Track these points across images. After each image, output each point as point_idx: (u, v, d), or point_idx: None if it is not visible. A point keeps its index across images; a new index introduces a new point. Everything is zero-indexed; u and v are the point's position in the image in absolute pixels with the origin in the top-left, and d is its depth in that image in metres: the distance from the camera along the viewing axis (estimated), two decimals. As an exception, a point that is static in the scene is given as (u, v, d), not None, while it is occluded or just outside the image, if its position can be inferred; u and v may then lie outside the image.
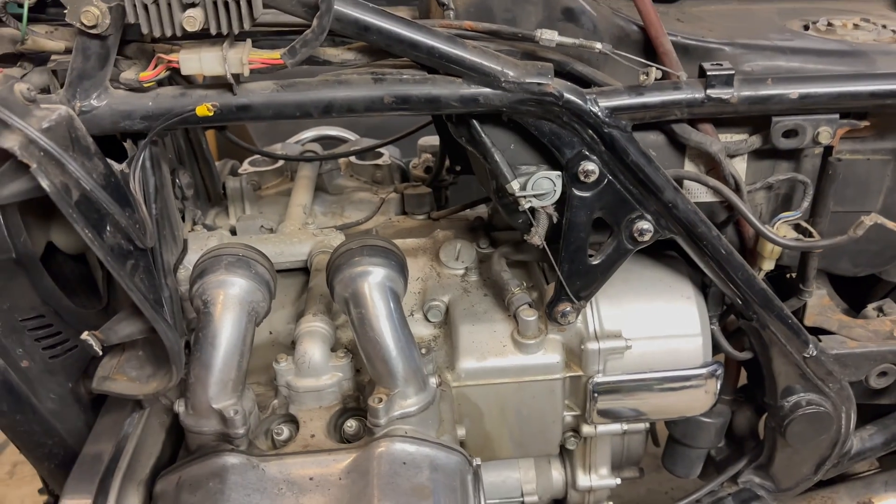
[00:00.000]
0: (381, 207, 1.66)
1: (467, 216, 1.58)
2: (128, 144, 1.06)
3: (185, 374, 1.05)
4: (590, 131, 1.09)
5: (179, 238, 1.26)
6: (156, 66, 1.01)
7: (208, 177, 1.64)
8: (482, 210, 1.63)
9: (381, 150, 1.85)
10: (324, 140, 2.06)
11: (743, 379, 1.52)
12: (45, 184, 0.78)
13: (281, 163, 1.80)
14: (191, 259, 1.31)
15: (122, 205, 0.88)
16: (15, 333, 1.16)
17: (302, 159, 1.74)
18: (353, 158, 1.83)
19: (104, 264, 0.84)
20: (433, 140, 1.81)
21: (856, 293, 1.48)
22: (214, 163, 1.67)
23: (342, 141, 2.13)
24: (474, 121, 1.11)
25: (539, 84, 1.05)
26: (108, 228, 0.86)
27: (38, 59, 1.09)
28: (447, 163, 1.67)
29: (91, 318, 1.24)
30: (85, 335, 0.91)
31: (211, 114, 0.97)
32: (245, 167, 1.81)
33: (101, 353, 0.93)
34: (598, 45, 1.08)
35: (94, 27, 0.94)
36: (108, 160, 1.00)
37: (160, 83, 1.05)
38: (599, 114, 1.08)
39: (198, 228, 1.40)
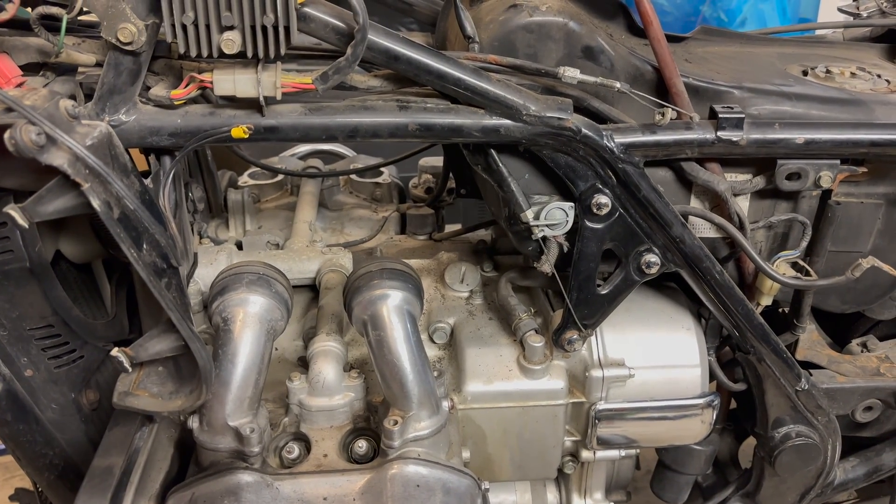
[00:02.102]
0: (383, 227, 1.68)
1: (470, 239, 1.61)
2: (151, 160, 1.06)
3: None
4: (604, 166, 1.13)
5: (191, 252, 1.26)
6: (188, 84, 1.02)
7: (211, 189, 1.65)
8: (484, 233, 1.66)
9: (381, 168, 1.88)
10: (320, 155, 2.07)
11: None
12: (95, 203, 0.79)
13: (281, 177, 1.81)
14: (200, 273, 1.32)
15: (156, 222, 0.89)
16: (22, 342, 1.16)
17: (305, 175, 1.75)
18: (353, 175, 1.85)
19: (145, 283, 0.84)
20: (434, 161, 1.84)
21: (836, 328, 1.54)
22: (217, 175, 1.67)
23: (338, 156, 2.14)
24: (492, 150, 1.14)
25: (559, 119, 1.08)
26: (145, 246, 0.87)
27: (61, 69, 1.09)
28: (451, 184, 1.69)
29: (98, 328, 1.24)
30: (115, 352, 0.91)
31: (246, 136, 0.99)
32: (245, 180, 1.81)
33: (130, 370, 0.93)
34: (617, 85, 1.11)
35: (129, 44, 0.95)
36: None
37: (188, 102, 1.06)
38: (614, 149, 1.11)
39: (205, 242, 1.40)
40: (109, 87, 1.00)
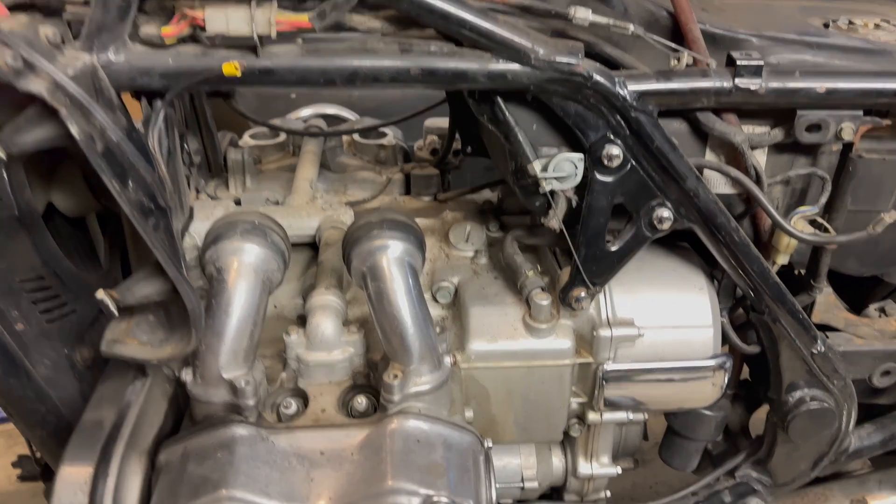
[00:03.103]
0: (386, 187, 1.63)
1: (475, 199, 1.56)
2: (142, 103, 1.02)
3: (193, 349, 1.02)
4: (616, 114, 1.08)
5: (186, 205, 1.22)
6: (179, 21, 0.97)
7: (210, 147, 1.60)
8: (490, 194, 1.61)
9: (385, 130, 1.83)
10: (322, 118, 2.03)
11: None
12: (74, 130, 0.75)
13: (283, 138, 1.76)
14: (196, 227, 1.27)
15: (145, 161, 0.85)
16: (12, 295, 1.12)
17: (307, 133, 1.71)
18: (356, 137, 1.80)
19: (129, 219, 0.80)
20: (440, 122, 1.79)
21: (853, 297, 1.49)
22: (216, 133, 1.63)
23: (341, 119, 2.10)
24: (499, 98, 1.09)
25: (569, 63, 1.03)
26: (130, 184, 0.83)
27: (49, 10, 1.05)
28: (457, 144, 1.65)
29: (92, 282, 1.20)
30: (100, 294, 0.87)
31: (238, 73, 0.94)
32: (246, 140, 1.77)
33: (116, 313, 0.89)
34: (631, 27, 1.06)
35: (117, -23, 0.90)
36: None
37: (179, 41, 1.01)
38: (627, 97, 1.07)
39: (202, 197, 1.36)
40: (97, 23, 0.95)
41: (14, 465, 1.71)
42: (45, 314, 1.16)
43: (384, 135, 1.81)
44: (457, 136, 1.61)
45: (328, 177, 1.72)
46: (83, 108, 0.77)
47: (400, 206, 1.56)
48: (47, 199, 1.21)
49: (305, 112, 2.19)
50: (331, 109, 2.23)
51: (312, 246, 1.38)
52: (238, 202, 1.45)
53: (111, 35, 0.96)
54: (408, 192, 1.65)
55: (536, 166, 1.11)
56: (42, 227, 1.10)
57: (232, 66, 0.92)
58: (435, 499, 0.92)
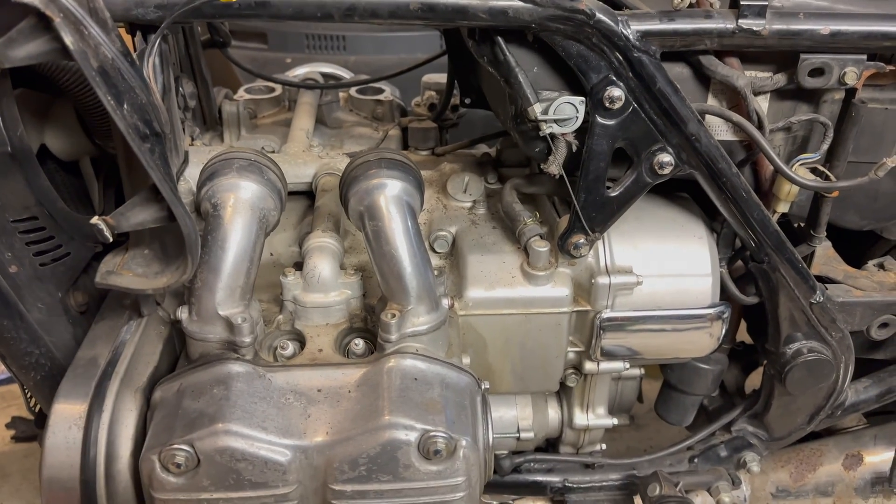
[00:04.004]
0: (383, 142, 1.62)
1: (473, 153, 1.55)
2: (137, 36, 1.00)
3: (190, 279, 1.00)
4: (618, 55, 1.06)
5: (181, 148, 1.20)
6: (174, -51, 0.95)
7: (205, 97, 1.58)
8: (487, 149, 1.59)
9: (382, 87, 1.81)
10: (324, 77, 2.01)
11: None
12: (68, 40, 0.73)
13: (278, 92, 1.74)
14: (191, 172, 1.26)
15: (141, 85, 0.83)
16: (5, 235, 1.10)
17: (303, 86, 1.69)
18: (353, 92, 1.78)
19: (125, 138, 0.79)
20: (437, 77, 1.77)
21: (852, 254, 1.48)
22: (211, 84, 1.61)
23: (337, 78, 2.07)
24: (499, 38, 1.08)
25: (571, 0, 1.01)
26: (126, 105, 0.81)
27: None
28: (456, 100, 1.63)
29: (86, 224, 1.18)
30: (95, 219, 0.86)
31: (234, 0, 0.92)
32: (241, 94, 1.75)
33: (111, 239, 0.88)
34: (634, -35, 1.04)
35: None
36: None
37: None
38: (630, 37, 1.05)
39: (197, 143, 1.34)
40: None
41: (8, 426, 1.71)
42: (39, 256, 1.15)
43: (381, 90, 1.79)
44: (455, 90, 1.60)
45: (324, 132, 1.70)
46: (77, 21, 0.75)
47: (397, 158, 1.55)
48: (41, 141, 1.19)
49: (301, 71, 2.16)
50: (327, 69, 2.21)
51: (309, 195, 1.37)
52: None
53: (104, -37, 0.94)
54: (406, 147, 1.64)
55: (537, 109, 1.10)
56: (36, 164, 1.09)
57: (229, -7, 0.90)
58: (432, 433, 0.91)
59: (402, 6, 1.01)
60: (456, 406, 0.98)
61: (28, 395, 1.38)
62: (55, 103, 1.18)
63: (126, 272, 0.94)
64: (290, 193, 1.37)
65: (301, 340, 1.08)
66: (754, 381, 1.57)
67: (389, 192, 1.03)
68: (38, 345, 1.18)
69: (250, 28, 2.95)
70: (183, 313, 1.01)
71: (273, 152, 1.42)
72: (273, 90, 1.76)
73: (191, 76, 1.51)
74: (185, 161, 1.24)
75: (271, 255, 1.28)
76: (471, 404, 1.01)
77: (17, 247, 1.12)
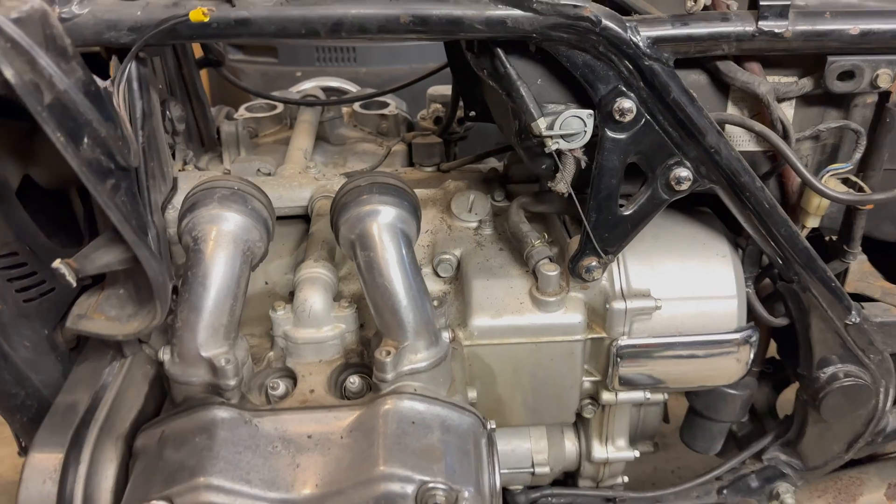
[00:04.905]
0: (386, 158, 1.55)
1: (480, 168, 1.47)
2: (114, 61, 0.94)
3: (171, 318, 0.94)
4: (628, 64, 0.99)
5: (169, 175, 1.14)
6: (145, -32, 0.89)
7: (202, 118, 1.53)
8: (496, 163, 1.52)
9: (387, 100, 1.74)
10: (326, 91, 1.95)
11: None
12: (8, 73, 0.67)
13: (280, 109, 1.69)
14: (181, 199, 1.20)
15: (104, 117, 0.77)
16: (-16, 272, 1.05)
17: (303, 103, 1.63)
18: (357, 108, 1.72)
19: (80, 177, 0.72)
20: (444, 89, 1.70)
21: (890, 268, 1.38)
22: (209, 104, 1.55)
23: (343, 93, 2.02)
24: (499, 49, 1.01)
25: (575, 6, 0.95)
26: (85, 140, 0.75)
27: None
28: (460, 112, 1.56)
29: (70, 257, 1.13)
30: (57, 263, 0.80)
31: (206, 19, 0.86)
32: (241, 112, 1.69)
33: (74, 283, 0.82)
34: (642, -34, 0.97)
35: (74, -83, 0.82)
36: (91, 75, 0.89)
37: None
38: (640, 44, 0.97)
39: (189, 168, 1.29)
40: None
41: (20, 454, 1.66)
42: (22, 292, 1.09)
43: (386, 105, 1.72)
44: (461, 103, 1.52)
45: (327, 149, 1.64)
46: (25, 52, 0.69)
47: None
48: (24, 172, 1.14)
49: (307, 86, 2.11)
50: (334, 83, 2.15)
51: (306, 219, 1.30)
52: (227, 174, 1.37)
53: (73, -15, 0.89)
54: (411, 163, 1.57)
55: (541, 124, 1.02)
56: (14, 199, 1.03)
57: (199, 13, 0.83)
58: (431, 485, 0.83)
59: (392, 20, 0.95)
60: (458, 451, 0.90)
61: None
62: (38, 132, 1.13)
63: (98, 315, 0.88)
64: (286, 217, 1.31)
65: (293, 378, 1.01)
66: (789, 394, 1.47)
67: (382, 219, 0.96)
68: (24, 385, 1.12)
69: (259, 42, 2.93)
70: (165, 354, 0.94)
71: (269, 174, 1.36)
72: (274, 107, 1.70)
73: (185, 97, 1.46)
74: (174, 188, 1.19)
75: (266, 283, 1.22)
76: (474, 448, 0.93)
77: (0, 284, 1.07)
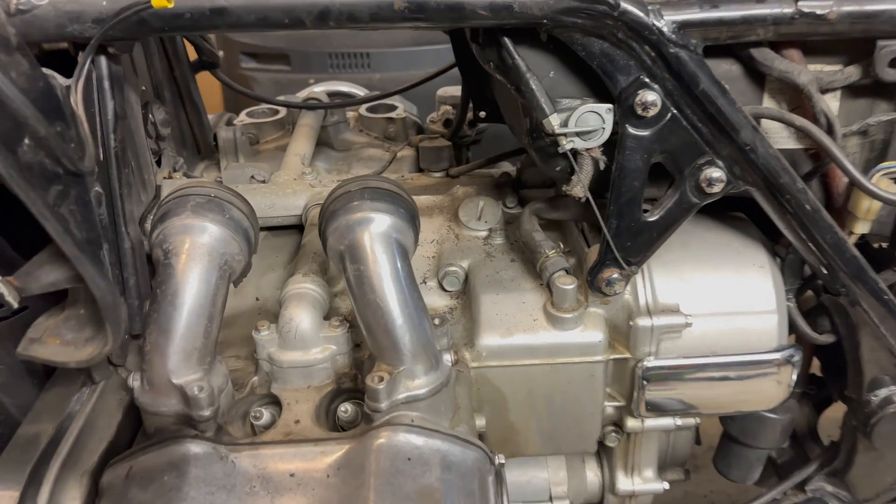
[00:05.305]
0: (392, 163, 1.45)
1: (491, 173, 1.37)
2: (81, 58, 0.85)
3: (142, 340, 0.85)
4: (651, 52, 0.89)
5: (150, 182, 1.05)
6: (109, -49, 0.80)
7: (197, 124, 1.44)
8: (508, 167, 1.41)
9: (395, 103, 1.65)
10: (334, 96, 1.87)
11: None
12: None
13: (282, 114, 1.60)
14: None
15: (51, 117, 0.68)
16: (-51, 290, 0.97)
17: (305, 107, 1.54)
18: (363, 111, 1.63)
19: (7, 182, 0.63)
20: (454, 90, 1.60)
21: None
22: (205, 109, 1.47)
23: (349, 97, 1.93)
24: (506, 38, 0.91)
25: (590, -13, 0.83)
26: (25, 141, 0.66)
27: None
28: (470, 113, 1.45)
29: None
30: (-6, 280, 0.71)
31: (170, 5, 0.76)
32: (242, 118, 1.61)
33: (15, 305, 0.73)
34: (666, -59, 0.86)
35: None
36: (50, 72, 0.81)
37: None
38: (664, 29, 0.87)
39: (177, 176, 1.20)
40: None
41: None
42: (-9, 313, 1.01)
43: (393, 108, 1.63)
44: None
45: (331, 155, 1.55)
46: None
47: (407, 183, 1.38)
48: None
49: (316, 89, 2.02)
50: (343, 87, 2.07)
51: (301, 229, 1.20)
52: (219, 181, 1.28)
53: (31, -27, 0.80)
54: (419, 168, 1.47)
55: (554, 121, 0.92)
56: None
57: (162, -1, 0.74)
58: (427, 534, 0.73)
59: (385, 6, 0.85)
60: (460, 493, 0.79)
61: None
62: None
63: (52, 339, 0.79)
64: (281, 228, 1.22)
65: (280, 405, 0.91)
66: (831, 413, 1.34)
67: (375, 228, 0.86)
68: (-4, 411, 1.04)
69: (272, 49, 2.90)
70: (135, 381, 0.85)
71: (263, 182, 1.26)
72: (276, 112, 1.61)
73: (178, 101, 1.37)
74: (157, 196, 1.09)
75: (257, 299, 1.12)
76: (480, 488, 0.82)
77: (-34, 302, 0.99)
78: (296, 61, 2.85)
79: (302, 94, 1.88)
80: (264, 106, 1.64)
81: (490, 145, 1.62)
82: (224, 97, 2.95)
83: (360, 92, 1.98)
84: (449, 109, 1.60)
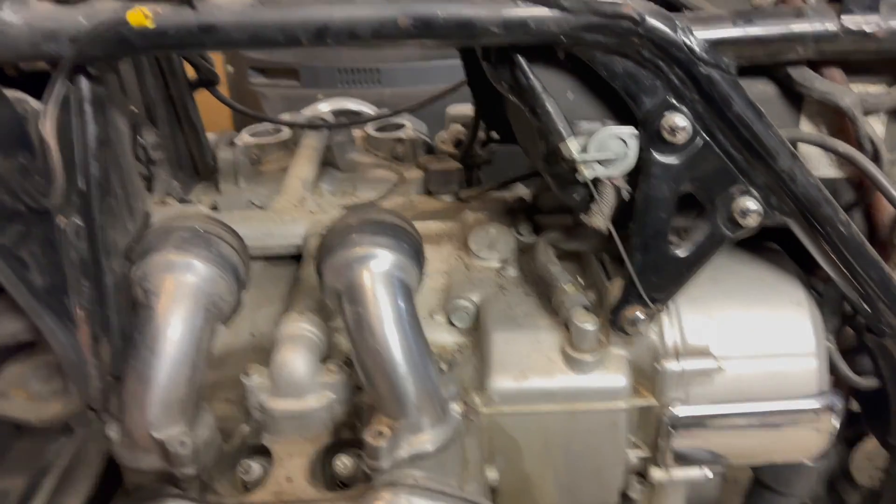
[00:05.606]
0: (399, 186, 1.38)
1: (504, 197, 1.29)
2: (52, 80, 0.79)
3: (120, 387, 0.77)
4: (679, 72, 0.81)
5: (139, 211, 0.98)
6: (86, -36, 0.73)
7: (195, 145, 1.38)
8: (524, 191, 1.34)
9: (404, 121, 1.58)
10: (340, 114, 1.80)
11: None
12: None
13: (286, 135, 1.53)
14: (154, 239, 1.04)
15: (12, 148, 0.61)
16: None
17: (310, 126, 1.47)
18: (370, 130, 1.56)
19: None
20: (464, 108, 1.53)
21: None
22: (203, 129, 1.40)
23: (357, 115, 1.86)
24: (520, 57, 0.84)
25: (612, 3, 0.78)
26: (-21, 175, 0.59)
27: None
28: (481, 132, 1.38)
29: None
30: (-54, 333, 0.64)
31: (148, 23, 0.69)
32: (244, 138, 1.54)
33: (-33, 361, 0.66)
34: (697, -49, 0.78)
35: None
36: (22, 95, 0.74)
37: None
38: (694, 47, 0.80)
39: (170, 201, 1.13)
40: None
41: None
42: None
43: (401, 127, 1.56)
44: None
45: (335, 176, 1.48)
46: None
47: (414, 207, 1.30)
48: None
49: (323, 106, 1.96)
50: (351, 104, 2.01)
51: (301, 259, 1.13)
52: (215, 207, 1.21)
53: (5, -12, 0.74)
54: (427, 191, 1.40)
55: (573, 146, 0.84)
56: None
57: (139, 15, 0.67)
58: None
59: (389, 23, 0.79)
60: (468, 564, 0.71)
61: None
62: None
63: (17, 392, 0.72)
64: (279, 257, 1.14)
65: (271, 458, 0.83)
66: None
67: (376, 267, 0.78)
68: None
69: (281, 65, 2.86)
70: (113, 432, 0.77)
71: (261, 207, 1.19)
72: (280, 131, 1.55)
73: (174, 121, 1.31)
74: (146, 226, 1.02)
75: (252, 335, 1.05)
76: (491, 556, 0.73)
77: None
78: (305, 77, 2.81)
79: (307, 112, 1.82)
80: (269, 125, 1.58)
81: (503, 164, 1.54)
82: (233, 115, 2.90)
83: (367, 109, 1.92)
84: (459, 129, 1.53)
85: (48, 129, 0.68)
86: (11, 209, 0.63)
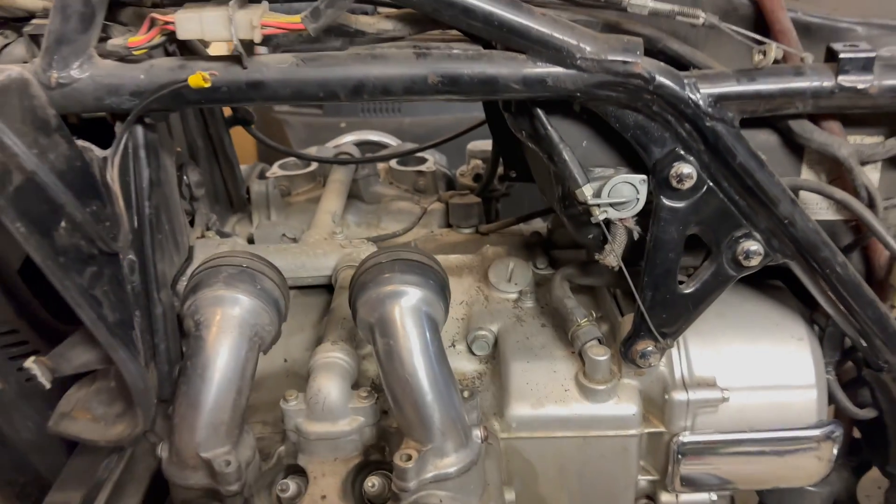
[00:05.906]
0: (421, 218, 1.45)
1: (522, 231, 1.36)
2: (118, 128, 0.87)
3: (171, 410, 0.84)
4: (687, 125, 0.87)
5: (183, 245, 1.06)
6: (149, 28, 0.82)
7: (230, 179, 1.45)
8: (539, 224, 1.40)
9: (426, 155, 1.66)
10: (364, 145, 1.88)
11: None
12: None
13: (313, 167, 1.61)
14: (196, 270, 1.11)
15: (87, 196, 0.69)
16: (-16, 350, 0.98)
17: (336, 161, 1.55)
18: (393, 164, 1.63)
19: (44, 271, 0.64)
20: (484, 145, 1.61)
21: None
22: (238, 164, 1.48)
23: (383, 147, 1.94)
24: (539, 110, 0.90)
25: (624, 62, 0.83)
26: (61, 224, 0.66)
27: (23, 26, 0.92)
28: (500, 169, 1.45)
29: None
30: (29, 362, 0.71)
31: (207, 84, 0.77)
32: (274, 170, 1.62)
33: (48, 384, 0.73)
34: (702, 16, 0.85)
35: (74, -22, 0.75)
36: (87, 144, 0.82)
37: (156, 53, 0.86)
38: (700, 103, 0.86)
39: (209, 235, 1.20)
40: (57, 35, 0.82)
41: None
42: (24, 371, 1.01)
43: (423, 161, 1.63)
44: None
45: (361, 209, 1.55)
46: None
47: (436, 240, 1.38)
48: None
49: (348, 139, 2.04)
50: (374, 136, 2.09)
51: (331, 288, 1.20)
52: (251, 240, 1.29)
53: (73, 48, 0.83)
54: (448, 224, 1.47)
55: (587, 191, 0.91)
56: (15, 276, 0.96)
57: (199, 78, 0.75)
58: None
59: (419, 80, 0.86)
60: (489, 579, 0.77)
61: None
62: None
63: (82, 414, 0.79)
64: (311, 287, 1.21)
65: (306, 477, 0.90)
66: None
67: (405, 302, 0.85)
68: (24, 471, 1.04)
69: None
70: (163, 452, 0.84)
71: (294, 240, 1.27)
72: (308, 164, 1.63)
73: (212, 157, 1.39)
74: (189, 259, 1.10)
75: (285, 360, 1.12)
76: (509, 572, 0.79)
77: (0, 362, 1.00)
78: (328, 105, 2.88)
79: (332, 145, 1.90)
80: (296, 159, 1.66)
81: (520, 197, 1.61)
82: (258, 147, 2.99)
83: (390, 141, 2.00)
84: (479, 164, 1.60)
85: (115, 177, 0.76)
86: (87, 254, 0.70)
